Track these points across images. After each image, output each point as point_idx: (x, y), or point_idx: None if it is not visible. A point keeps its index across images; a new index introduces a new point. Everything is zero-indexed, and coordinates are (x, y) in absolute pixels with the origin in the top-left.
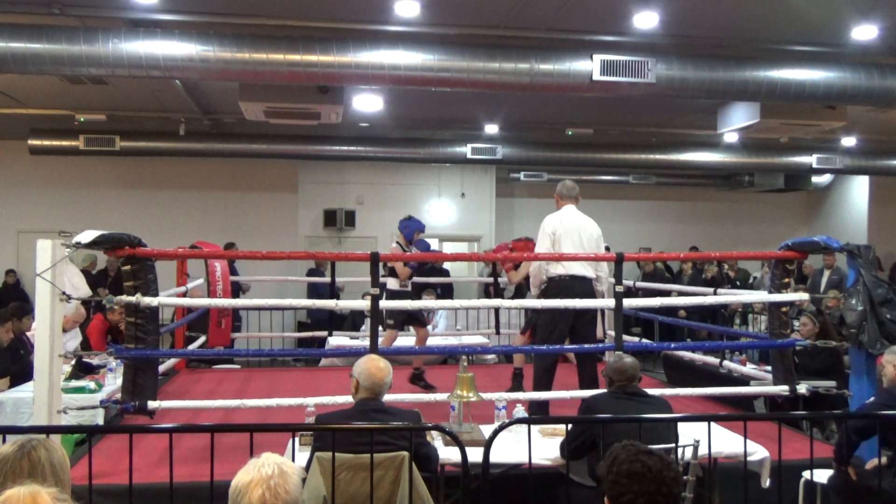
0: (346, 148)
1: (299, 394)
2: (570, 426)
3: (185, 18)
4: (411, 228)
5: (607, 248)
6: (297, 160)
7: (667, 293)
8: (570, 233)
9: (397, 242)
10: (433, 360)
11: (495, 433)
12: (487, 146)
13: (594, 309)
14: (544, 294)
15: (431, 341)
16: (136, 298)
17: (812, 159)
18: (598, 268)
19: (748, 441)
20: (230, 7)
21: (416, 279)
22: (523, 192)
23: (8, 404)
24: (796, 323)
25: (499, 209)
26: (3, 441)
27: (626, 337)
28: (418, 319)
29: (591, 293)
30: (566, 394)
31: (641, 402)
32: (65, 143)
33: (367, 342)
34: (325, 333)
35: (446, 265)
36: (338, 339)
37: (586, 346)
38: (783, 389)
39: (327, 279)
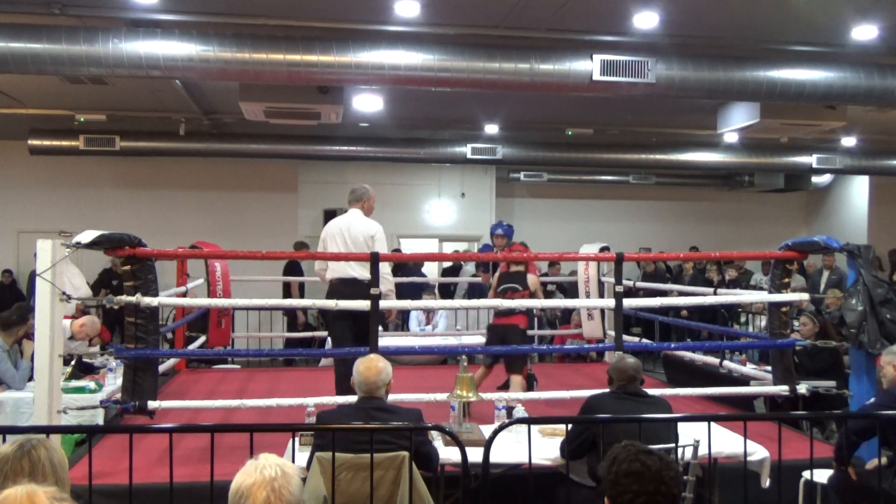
0: (346, 148)
1: (299, 394)
2: (570, 426)
3: (185, 18)
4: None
5: (606, 248)
6: (297, 160)
7: (666, 293)
8: (335, 236)
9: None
10: (433, 360)
11: (495, 433)
12: (487, 146)
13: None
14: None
15: (431, 341)
16: (136, 298)
17: (812, 159)
18: (367, 268)
19: (748, 441)
20: (230, 7)
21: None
22: (523, 192)
23: (8, 404)
24: (796, 323)
25: (499, 209)
26: (3, 441)
27: (626, 337)
28: None
29: (362, 294)
30: (566, 394)
31: (641, 402)
32: (65, 143)
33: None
34: (324, 333)
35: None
36: None
37: (586, 346)
38: (783, 389)
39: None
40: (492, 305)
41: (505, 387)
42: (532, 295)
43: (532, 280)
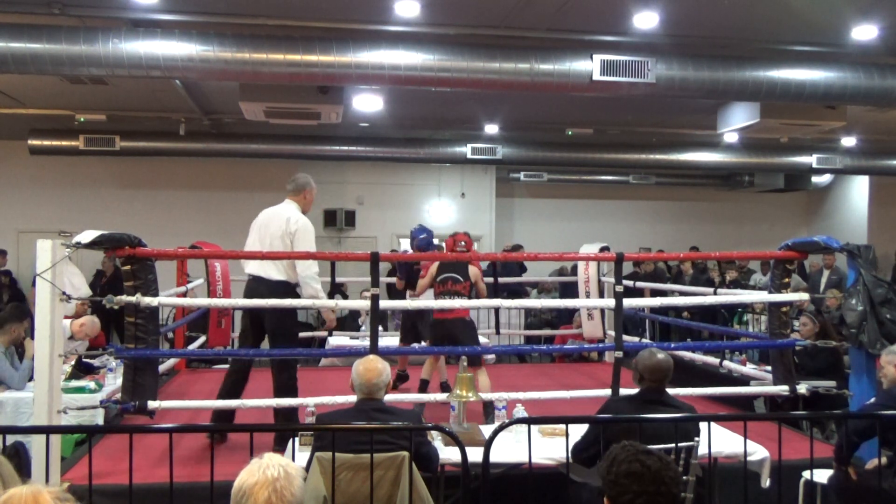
0: (346, 148)
1: (299, 394)
2: (584, 431)
3: (185, 18)
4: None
5: (606, 248)
6: (297, 160)
7: (664, 293)
8: (258, 229)
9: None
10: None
11: (495, 433)
12: (487, 146)
13: (282, 308)
14: None
15: None
16: (136, 298)
17: (812, 159)
18: (295, 267)
19: (748, 441)
20: (230, 7)
21: None
22: (523, 192)
23: (8, 404)
24: (796, 323)
25: (499, 209)
26: (4, 441)
27: (626, 337)
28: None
29: (275, 293)
30: (566, 394)
31: (665, 411)
32: (65, 143)
33: (367, 342)
34: (324, 333)
35: None
36: (338, 339)
37: (587, 345)
38: (783, 389)
39: None
40: (492, 305)
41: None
42: (473, 286)
43: (474, 271)
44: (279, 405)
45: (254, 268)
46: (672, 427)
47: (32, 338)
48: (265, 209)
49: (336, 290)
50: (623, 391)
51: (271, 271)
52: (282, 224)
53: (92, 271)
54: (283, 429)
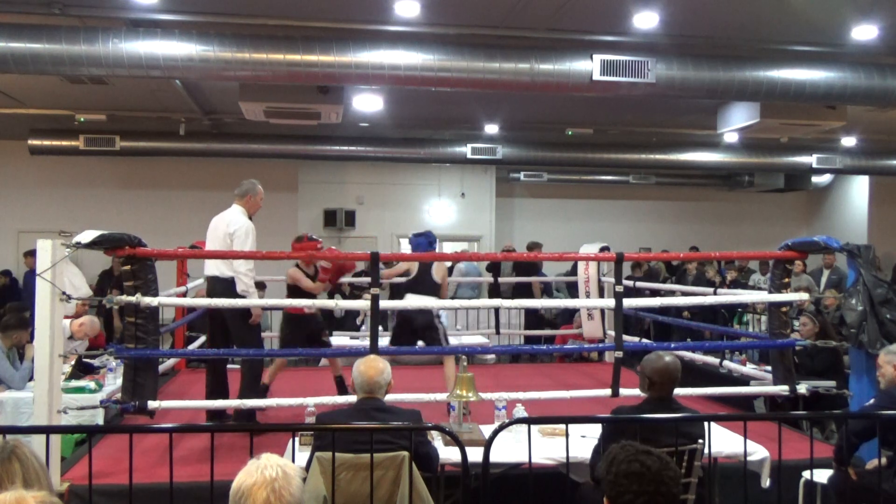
0: (346, 148)
1: (299, 394)
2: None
3: (185, 18)
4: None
5: (606, 248)
6: (297, 160)
7: (658, 292)
8: (209, 232)
9: None
10: (433, 361)
11: (495, 433)
12: (487, 146)
13: (233, 308)
14: None
15: None
16: (136, 298)
17: (812, 159)
18: (232, 266)
19: (748, 441)
20: (230, 7)
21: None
22: (523, 192)
23: (8, 404)
24: (796, 323)
25: (499, 209)
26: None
27: (626, 337)
28: None
29: (226, 292)
30: (566, 394)
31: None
32: (65, 143)
33: (367, 342)
34: None
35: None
36: (338, 339)
37: (587, 345)
38: (783, 389)
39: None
40: (492, 305)
41: None
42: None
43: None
44: (279, 405)
45: (210, 268)
46: (680, 432)
47: (32, 341)
48: (216, 215)
49: (336, 290)
50: (623, 391)
51: (224, 269)
52: (223, 227)
53: (92, 271)
54: (284, 428)
